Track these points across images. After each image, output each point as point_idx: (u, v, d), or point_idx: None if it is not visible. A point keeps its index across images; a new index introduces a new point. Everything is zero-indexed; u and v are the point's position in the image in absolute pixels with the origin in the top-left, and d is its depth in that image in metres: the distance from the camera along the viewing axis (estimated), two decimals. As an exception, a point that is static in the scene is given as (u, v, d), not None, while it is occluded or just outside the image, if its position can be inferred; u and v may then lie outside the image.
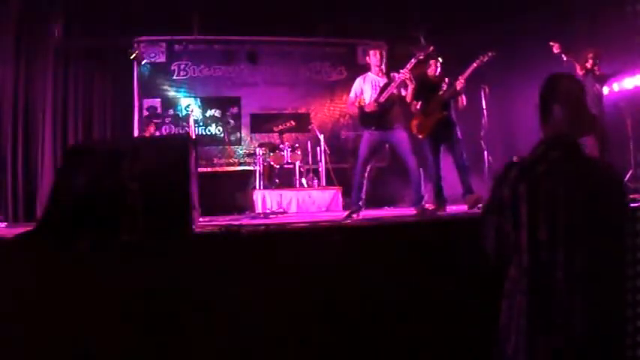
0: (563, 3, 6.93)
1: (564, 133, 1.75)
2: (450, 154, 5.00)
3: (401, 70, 4.72)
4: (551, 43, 5.27)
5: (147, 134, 6.82)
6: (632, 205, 3.33)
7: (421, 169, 4.74)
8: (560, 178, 1.65)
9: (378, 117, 4.75)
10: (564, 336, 1.58)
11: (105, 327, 2.77)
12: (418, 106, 5.00)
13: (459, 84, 4.80)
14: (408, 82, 4.69)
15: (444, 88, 4.94)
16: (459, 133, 4.96)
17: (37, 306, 2.76)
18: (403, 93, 4.79)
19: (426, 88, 5.02)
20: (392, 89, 4.72)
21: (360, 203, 4.77)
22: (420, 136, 5.03)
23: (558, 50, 5.25)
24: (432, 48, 4.82)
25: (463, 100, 4.93)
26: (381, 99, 4.74)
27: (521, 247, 1.68)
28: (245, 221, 4.77)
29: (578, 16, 7.04)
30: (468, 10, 7.39)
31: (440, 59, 5.09)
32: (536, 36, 7.29)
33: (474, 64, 4.82)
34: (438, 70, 5.09)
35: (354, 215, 4.70)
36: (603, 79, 5.40)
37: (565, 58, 5.28)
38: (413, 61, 4.75)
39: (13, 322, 2.72)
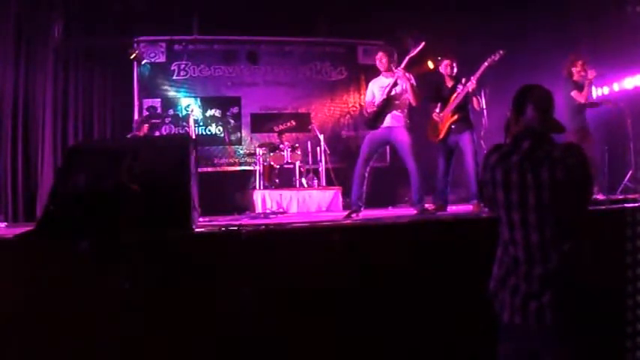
0: (563, 3, 6.94)
1: (533, 127, 2.03)
2: (463, 156, 4.87)
3: (395, 69, 4.73)
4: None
5: (141, 134, 6.75)
6: (631, 205, 3.34)
7: (420, 172, 4.68)
8: (530, 165, 1.94)
9: (377, 117, 4.76)
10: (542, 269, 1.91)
11: (105, 327, 2.77)
12: (437, 109, 4.95)
13: (471, 85, 4.70)
14: (404, 80, 4.66)
15: (459, 90, 4.82)
16: (473, 136, 4.82)
17: (37, 306, 2.76)
18: (399, 90, 4.73)
19: (441, 90, 4.98)
20: (389, 89, 4.72)
21: (360, 203, 4.77)
22: (435, 140, 4.96)
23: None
24: (423, 44, 4.73)
25: (478, 101, 4.85)
26: (380, 99, 4.77)
27: (501, 222, 2.02)
28: (245, 221, 4.76)
29: (578, 16, 7.04)
30: (468, 10, 7.41)
31: (454, 59, 4.98)
32: (535, 36, 7.30)
33: (485, 64, 4.71)
34: (455, 69, 4.98)
35: (354, 215, 4.70)
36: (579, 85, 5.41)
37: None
38: (406, 58, 4.74)
39: (14, 321, 2.72)
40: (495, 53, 4.70)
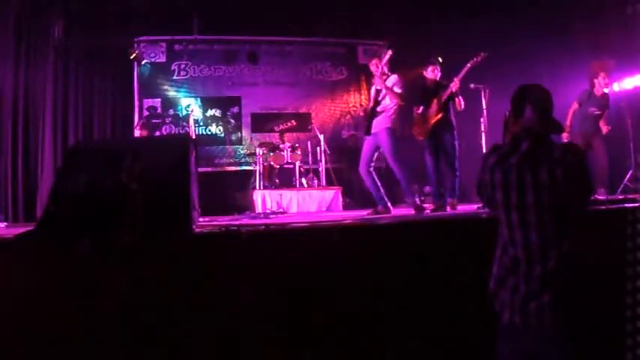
0: (563, 3, 6.93)
1: (532, 128, 2.01)
2: (444, 154, 5.07)
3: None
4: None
5: (142, 133, 6.78)
6: (631, 205, 3.34)
7: (404, 171, 4.83)
8: (528, 166, 1.93)
9: (367, 124, 4.97)
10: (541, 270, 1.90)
11: (105, 327, 2.77)
12: (419, 111, 5.12)
13: (455, 85, 4.91)
14: (379, 84, 4.83)
15: (442, 91, 5.02)
16: (455, 136, 5.06)
17: (37, 306, 2.76)
18: (381, 96, 4.89)
19: (425, 92, 5.14)
20: (374, 94, 4.94)
21: (383, 204, 4.87)
22: (421, 138, 5.13)
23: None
24: (390, 52, 4.94)
25: (460, 101, 5.01)
26: (371, 104, 4.99)
27: (500, 222, 2.02)
28: (245, 221, 4.77)
29: (578, 16, 7.03)
30: (468, 10, 7.40)
31: (438, 62, 5.18)
32: (536, 36, 7.29)
33: (468, 65, 4.94)
34: (438, 74, 5.19)
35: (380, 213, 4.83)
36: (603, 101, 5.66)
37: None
38: (379, 67, 4.92)
39: (13, 322, 2.72)
40: (477, 55, 4.96)
